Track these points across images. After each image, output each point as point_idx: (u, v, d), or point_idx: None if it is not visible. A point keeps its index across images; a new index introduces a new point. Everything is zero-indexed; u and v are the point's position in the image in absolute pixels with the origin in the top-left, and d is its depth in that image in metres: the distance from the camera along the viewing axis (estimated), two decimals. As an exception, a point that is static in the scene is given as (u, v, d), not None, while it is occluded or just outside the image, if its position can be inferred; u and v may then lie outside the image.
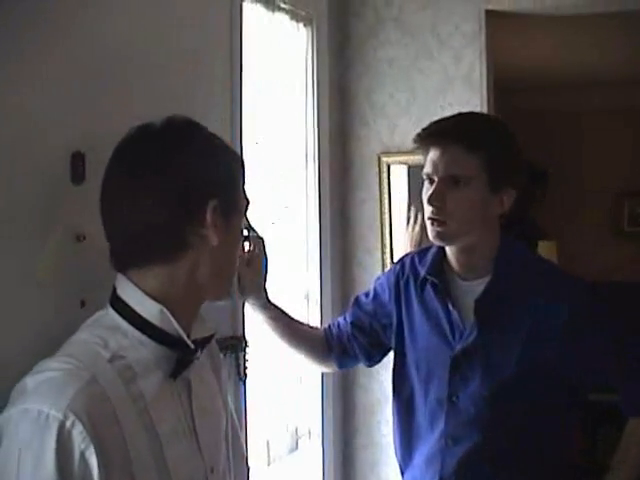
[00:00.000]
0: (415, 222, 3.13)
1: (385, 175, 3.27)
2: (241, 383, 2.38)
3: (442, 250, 2.00)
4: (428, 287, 2.02)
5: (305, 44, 3.02)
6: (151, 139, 1.35)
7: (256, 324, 2.18)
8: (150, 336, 1.33)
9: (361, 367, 2.35)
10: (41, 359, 1.28)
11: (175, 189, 1.30)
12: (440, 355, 1.97)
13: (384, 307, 2.14)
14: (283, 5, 2.79)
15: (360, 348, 2.18)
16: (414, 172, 3.07)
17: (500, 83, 3.40)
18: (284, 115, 2.89)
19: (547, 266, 2.08)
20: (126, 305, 1.34)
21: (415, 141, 1.93)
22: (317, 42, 3.05)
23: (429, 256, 2.04)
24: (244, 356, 2.39)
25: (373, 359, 2.23)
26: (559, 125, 6.67)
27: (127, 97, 1.72)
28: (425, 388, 2.01)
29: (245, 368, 2.39)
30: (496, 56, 3.30)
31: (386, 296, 2.14)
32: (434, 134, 1.90)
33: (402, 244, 3.19)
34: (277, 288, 2.45)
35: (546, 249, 5.43)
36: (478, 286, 1.93)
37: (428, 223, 1.91)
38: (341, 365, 2.25)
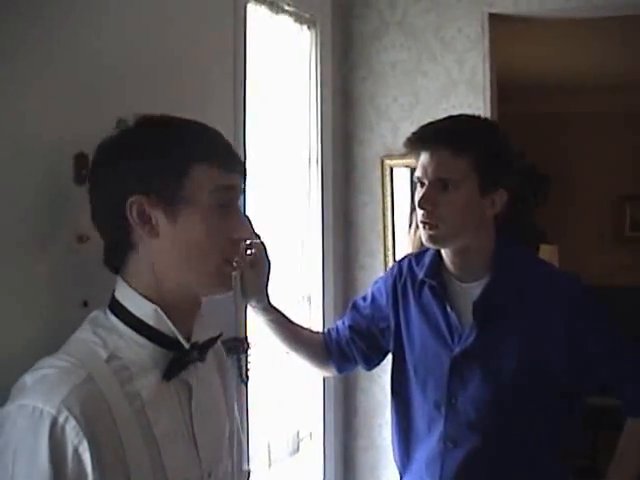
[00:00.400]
0: (417, 225, 3.13)
1: (388, 178, 3.27)
2: (243, 385, 2.38)
3: (439, 252, 2.00)
4: (426, 290, 2.02)
5: (309, 46, 3.02)
6: (99, 148, 1.38)
7: (258, 326, 2.17)
8: (146, 337, 1.33)
9: (362, 371, 2.35)
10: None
11: (105, 192, 1.35)
12: (438, 357, 1.97)
13: (382, 311, 2.14)
14: (287, 7, 2.79)
15: (358, 352, 2.18)
16: (417, 175, 3.07)
17: (503, 86, 3.40)
18: (287, 117, 2.88)
19: (545, 267, 2.08)
20: (122, 306, 1.35)
21: (405, 145, 1.94)
22: (320, 45, 3.05)
23: (426, 259, 2.04)
24: (246, 358, 2.38)
25: (371, 363, 2.23)
26: (561, 128, 6.67)
27: (130, 99, 1.72)
28: (423, 390, 2.01)
29: (247, 370, 2.39)
30: (499, 59, 3.30)
31: (384, 299, 2.14)
32: (422, 138, 1.90)
33: (404, 247, 3.19)
34: (279, 291, 2.45)
35: (547, 253, 5.43)
36: (476, 288, 1.93)
37: (420, 226, 1.91)
38: (340, 369, 2.25)
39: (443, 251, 1.97)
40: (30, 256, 1.46)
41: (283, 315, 2.12)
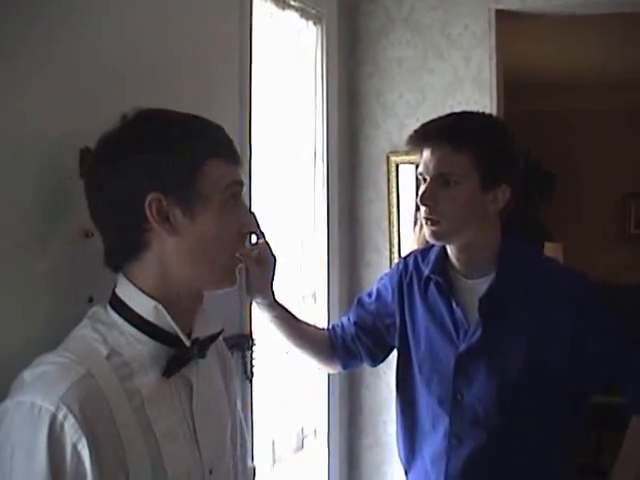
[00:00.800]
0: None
1: (394, 175, 3.26)
2: (247, 382, 2.38)
3: (444, 249, 2.00)
4: (432, 286, 2.02)
5: (315, 42, 3.01)
6: (102, 143, 1.36)
7: (263, 323, 2.17)
8: (146, 333, 1.33)
9: (367, 367, 2.35)
10: (47, 354, 1.28)
11: (115, 190, 1.31)
12: (444, 354, 1.97)
13: (387, 307, 2.14)
14: (293, 3, 2.79)
15: (364, 348, 2.18)
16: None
17: (509, 83, 3.39)
18: (292, 114, 2.88)
19: (550, 264, 2.08)
20: (122, 303, 1.34)
21: (408, 142, 1.95)
22: (327, 41, 3.04)
23: (432, 255, 2.03)
24: (251, 355, 2.38)
25: (377, 359, 2.23)
26: (566, 127, 6.66)
27: (136, 94, 1.71)
28: (428, 387, 2.00)
29: (252, 367, 2.39)
30: (506, 56, 3.29)
31: (389, 296, 2.14)
32: (424, 135, 1.91)
33: (410, 244, 3.18)
34: (284, 288, 2.45)
35: (552, 250, 5.42)
36: (482, 284, 1.93)
37: (424, 222, 1.91)
38: (345, 366, 2.25)
39: (448, 247, 1.97)
40: (35, 252, 1.46)
41: (288, 312, 2.12)
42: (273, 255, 1.98)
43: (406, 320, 2.08)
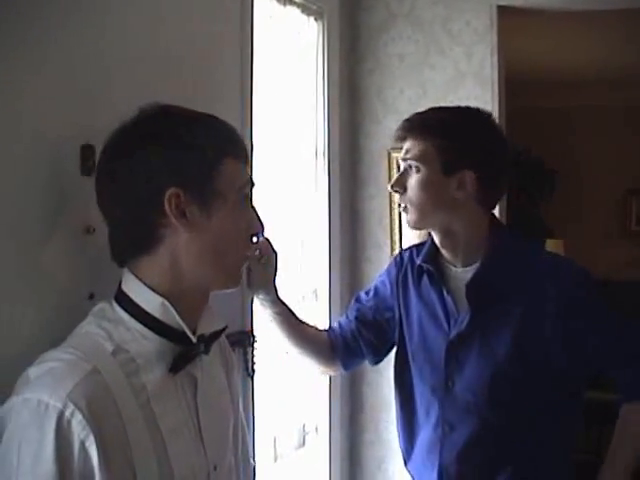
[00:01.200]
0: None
1: (395, 171, 3.25)
2: (249, 379, 2.37)
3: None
4: (424, 277, 2.06)
5: (316, 38, 3.01)
6: (112, 139, 1.35)
7: (264, 319, 2.16)
8: (152, 329, 1.32)
9: (369, 365, 2.34)
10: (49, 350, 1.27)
11: (128, 185, 1.31)
12: (436, 342, 2.01)
13: (386, 301, 2.17)
14: (294, -1, 2.78)
15: (366, 344, 2.19)
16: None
17: (510, 79, 3.38)
18: (294, 110, 2.87)
19: (538, 251, 2.12)
20: (129, 299, 1.33)
21: (393, 141, 2.04)
22: (328, 36, 3.04)
23: (425, 247, 2.08)
24: (252, 351, 2.38)
25: (379, 355, 2.24)
26: (568, 122, 6.66)
27: (137, 90, 1.71)
28: (421, 376, 2.04)
29: (253, 364, 2.38)
30: (507, 52, 3.28)
31: (388, 291, 2.17)
32: (398, 130, 1.99)
33: (410, 240, 3.17)
34: (285, 284, 2.44)
35: (553, 247, 5.43)
36: (469, 272, 1.97)
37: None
38: (346, 365, 2.25)
39: (434, 237, 2.01)
40: (35, 249, 1.45)
41: (290, 310, 2.12)
42: (274, 251, 1.99)
43: (402, 312, 2.12)
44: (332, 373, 2.47)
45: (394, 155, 3.24)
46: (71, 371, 1.20)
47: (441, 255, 2.03)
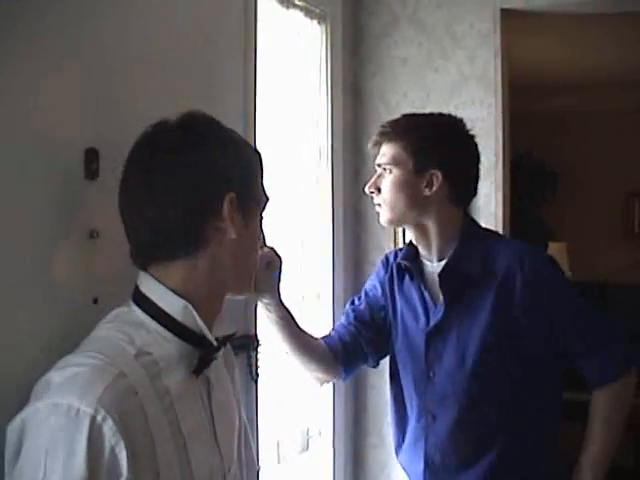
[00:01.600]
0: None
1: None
2: (253, 382, 2.37)
3: None
4: (406, 275, 2.16)
5: (319, 41, 3.01)
6: (167, 135, 1.33)
7: (268, 323, 2.16)
8: (174, 332, 1.32)
9: (371, 368, 2.34)
10: (54, 356, 1.26)
11: (191, 184, 1.30)
12: (417, 336, 2.10)
13: (378, 302, 2.24)
14: (297, 2, 2.78)
15: (367, 343, 2.21)
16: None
17: (514, 82, 3.38)
18: (297, 112, 2.87)
19: (505, 241, 2.25)
20: (150, 301, 1.33)
21: (371, 148, 2.16)
22: (331, 40, 3.04)
23: (405, 246, 2.19)
24: (256, 355, 2.38)
25: (380, 354, 2.26)
26: (570, 125, 6.65)
27: (141, 94, 1.71)
28: (405, 370, 2.14)
29: (257, 367, 2.38)
30: (511, 55, 3.27)
31: (379, 292, 2.24)
32: (374, 137, 2.12)
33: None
34: (289, 287, 2.44)
35: (556, 250, 5.42)
36: (442, 265, 2.06)
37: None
38: (347, 369, 2.24)
39: (410, 235, 2.12)
40: (40, 253, 1.45)
41: (292, 316, 2.12)
42: (279, 256, 1.99)
43: (391, 311, 2.20)
44: (332, 380, 2.46)
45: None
46: (99, 376, 1.19)
47: (419, 252, 2.12)
